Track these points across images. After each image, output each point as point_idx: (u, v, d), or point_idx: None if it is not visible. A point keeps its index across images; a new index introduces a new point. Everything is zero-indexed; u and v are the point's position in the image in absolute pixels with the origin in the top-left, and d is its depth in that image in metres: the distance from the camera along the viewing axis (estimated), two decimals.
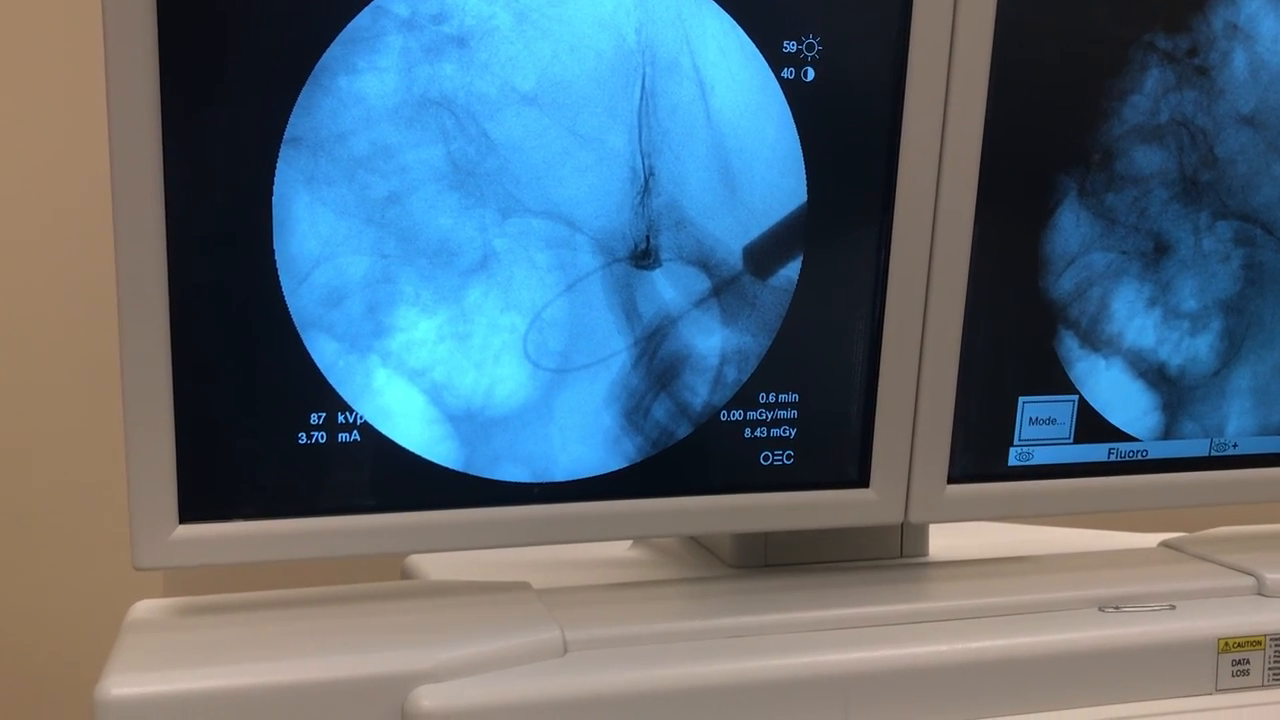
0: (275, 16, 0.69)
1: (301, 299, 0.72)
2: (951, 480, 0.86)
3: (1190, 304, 0.89)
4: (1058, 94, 0.83)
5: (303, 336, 0.73)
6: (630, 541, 1.00)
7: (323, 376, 0.74)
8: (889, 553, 0.94)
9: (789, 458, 0.83)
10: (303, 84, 0.70)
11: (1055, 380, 0.88)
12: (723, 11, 0.75)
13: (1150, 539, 1.01)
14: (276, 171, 0.70)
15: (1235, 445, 0.93)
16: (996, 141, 0.81)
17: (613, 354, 0.78)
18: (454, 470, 0.77)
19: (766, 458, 0.83)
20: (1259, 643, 0.83)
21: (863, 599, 0.83)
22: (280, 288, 0.72)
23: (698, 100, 0.76)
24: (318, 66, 0.70)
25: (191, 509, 0.73)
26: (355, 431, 0.75)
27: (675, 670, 0.73)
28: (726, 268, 0.79)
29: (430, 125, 0.72)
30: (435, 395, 0.76)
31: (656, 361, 0.79)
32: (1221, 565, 0.92)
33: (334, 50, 0.70)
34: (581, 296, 0.77)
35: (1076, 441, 0.89)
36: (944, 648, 0.79)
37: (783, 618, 0.80)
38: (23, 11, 1.10)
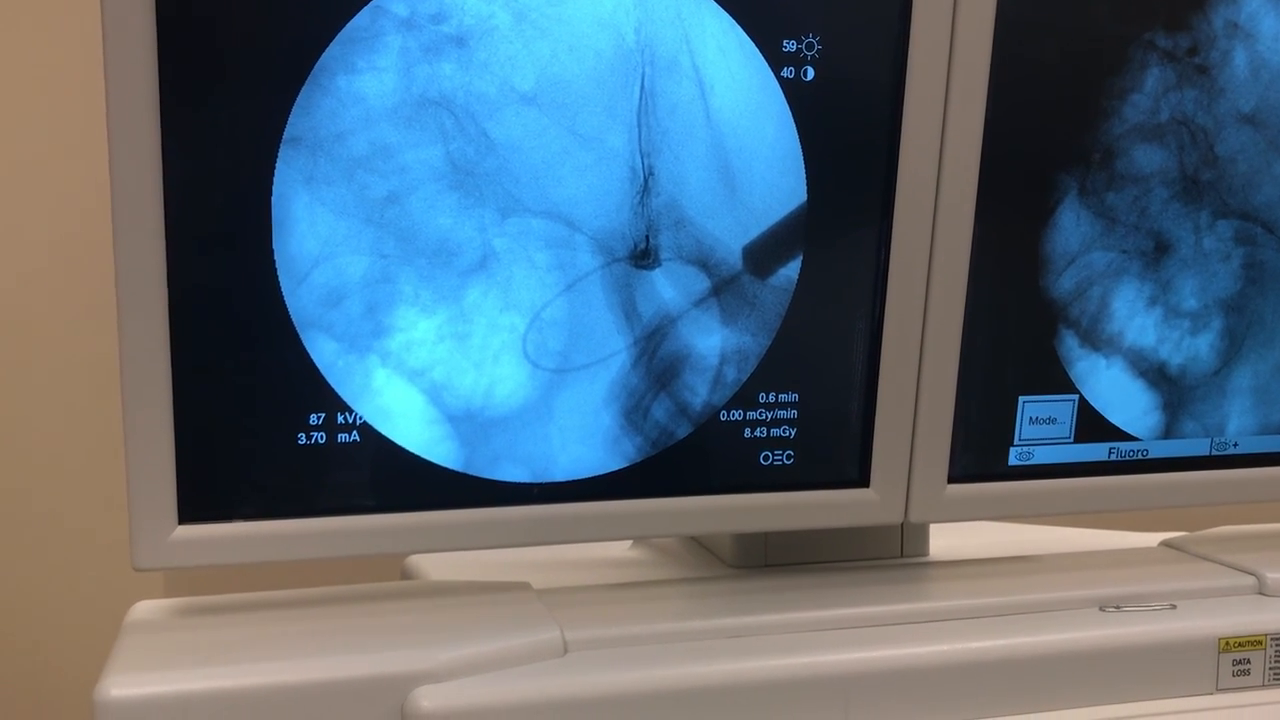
0: (274, 16, 0.69)
1: (301, 299, 0.72)
2: (952, 480, 0.86)
3: (1191, 303, 0.89)
4: (1058, 93, 0.83)
5: (302, 337, 0.73)
6: (630, 541, 1.00)
7: (322, 377, 0.74)
8: (889, 552, 0.94)
9: (789, 457, 0.83)
10: (302, 84, 0.70)
11: (1055, 380, 0.87)
12: (722, 11, 0.75)
13: (1151, 538, 1.01)
14: (275, 171, 0.70)
15: (1236, 444, 0.93)
16: (996, 140, 0.81)
17: (612, 354, 0.78)
18: (453, 470, 0.77)
19: (766, 457, 0.83)
20: (1259, 642, 0.83)
21: (863, 599, 0.83)
22: (279, 288, 0.72)
23: (697, 100, 0.76)
24: (317, 66, 0.70)
25: (191, 509, 0.73)
26: (355, 432, 0.75)
27: (675, 670, 0.73)
28: (726, 267, 0.79)
29: (429, 125, 0.72)
30: (435, 395, 0.76)
31: (656, 361, 0.79)
32: (1222, 565, 0.92)
33: (333, 50, 0.70)
34: (581, 296, 0.77)
35: (1077, 441, 0.89)
36: (944, 648, 0.78)
37: (783, 618, 0.80)
38: (22, 11, 1.10)
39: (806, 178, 0.79)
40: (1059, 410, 0.88)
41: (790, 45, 0.77)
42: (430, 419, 0.76)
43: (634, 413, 0.80)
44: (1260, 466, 0.94)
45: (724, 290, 0.80)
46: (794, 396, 0.83)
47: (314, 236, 0.72)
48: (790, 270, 0.80)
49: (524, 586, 0.83)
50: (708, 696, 0.73)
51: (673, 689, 0.72)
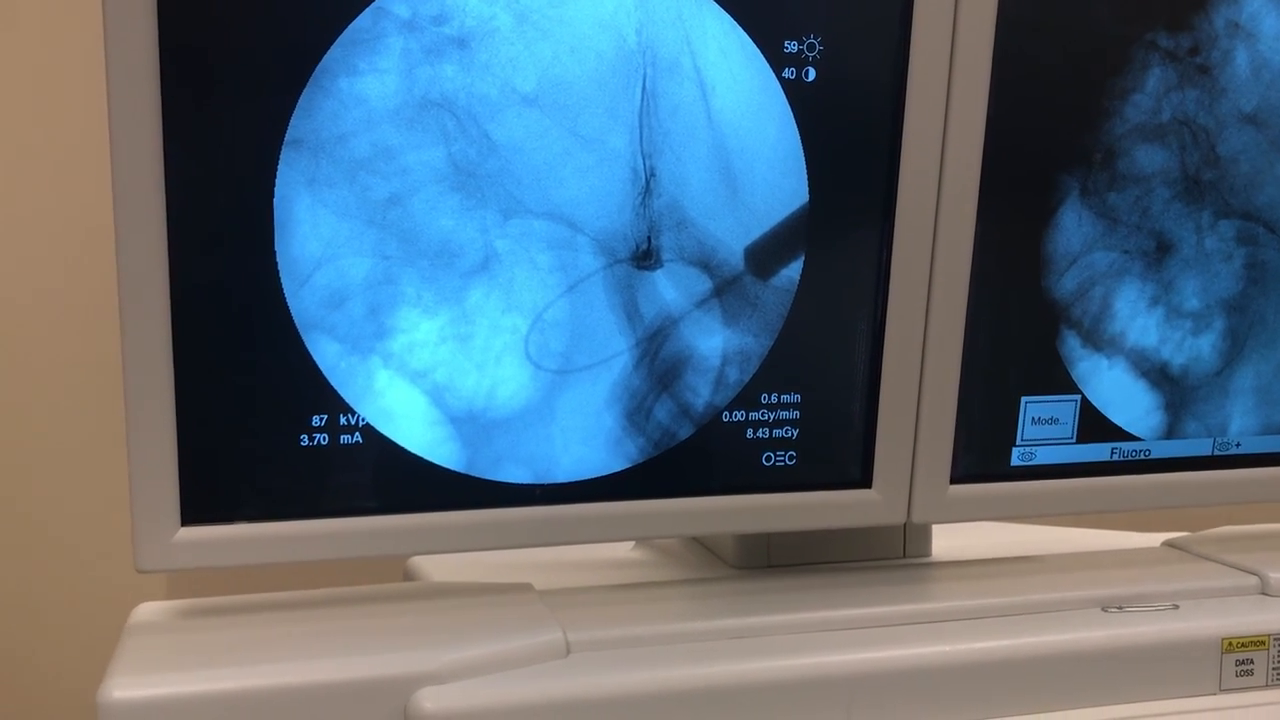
0: (275, 18, 0.69)
1: (303, 301, 0.72)
2: (954, 480, 0.86)
3: (1193, 303, 0.89)
4: (1059, 93, 0.83)
5: (304, 338, 0.73)
6: (632, 542, 1.00)
7: (324, 378, 0.74)
8: (892, 553, 0.94)
9: (791, 458, 0.83)
10: (303, 86, 0.70)
11: (1057, 380, 0.87)
12: (723, 12, 0.75)
13: (1153, 538, 1.01)
14: (278, 173, 0.70)
15: (1238, 445, 0.93)
16: (998, 141, 0.81)
17: (614, 355, 0.78)
18: (456, 472, 0.77)
19: (769, 458, 0.83)
20: (1263, 642, 0.83)
21: (866, 599, 0.83)
22: (282, 289, 0.72)
23: (699, 101, 0.76)
24: (318, 68, 0.70)
25: (194, 511, 0.73)
26: (357, 433, 0.75)
27: (678, 671, 0.73)
28: (728, 268, 0.79)
29: (431, 127, 0.72)
30: (437, 397, 0.76)
31: (658, 362, 0.79)
32: (1225, 565, 0.92)
33: (335, 52, 0.70)
34: (583, 297, 0.77)
35: (1079, 441, 0.89)
36: (947, 648, 0.78)
37: (786, 618, 0.80)
38: (25, 14, 1.11)
39: (808, 178, 0.79)
40: (1061, 410, 0.88)
41: (792, 46, 0.77)
42: (432, 420, 0.76)
43: (636, 414, 0.80)
44: (1262, 467, 0.94)
45: (726, 291, 0.80)
46: (796, 397, 0.83)
47: (316, 238, 0.72)
48: (792, 271, 0.80)
49: (526, 588, 0.83)
50: (710, 697, 0.73)
51: (676, 690, 0.72)
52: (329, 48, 0.70)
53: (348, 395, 0.74)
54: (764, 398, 0.82)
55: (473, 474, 0.77)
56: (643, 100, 0.75)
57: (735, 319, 0.80)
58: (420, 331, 0.74)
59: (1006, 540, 1.03)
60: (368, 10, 0.70)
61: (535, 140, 0.74)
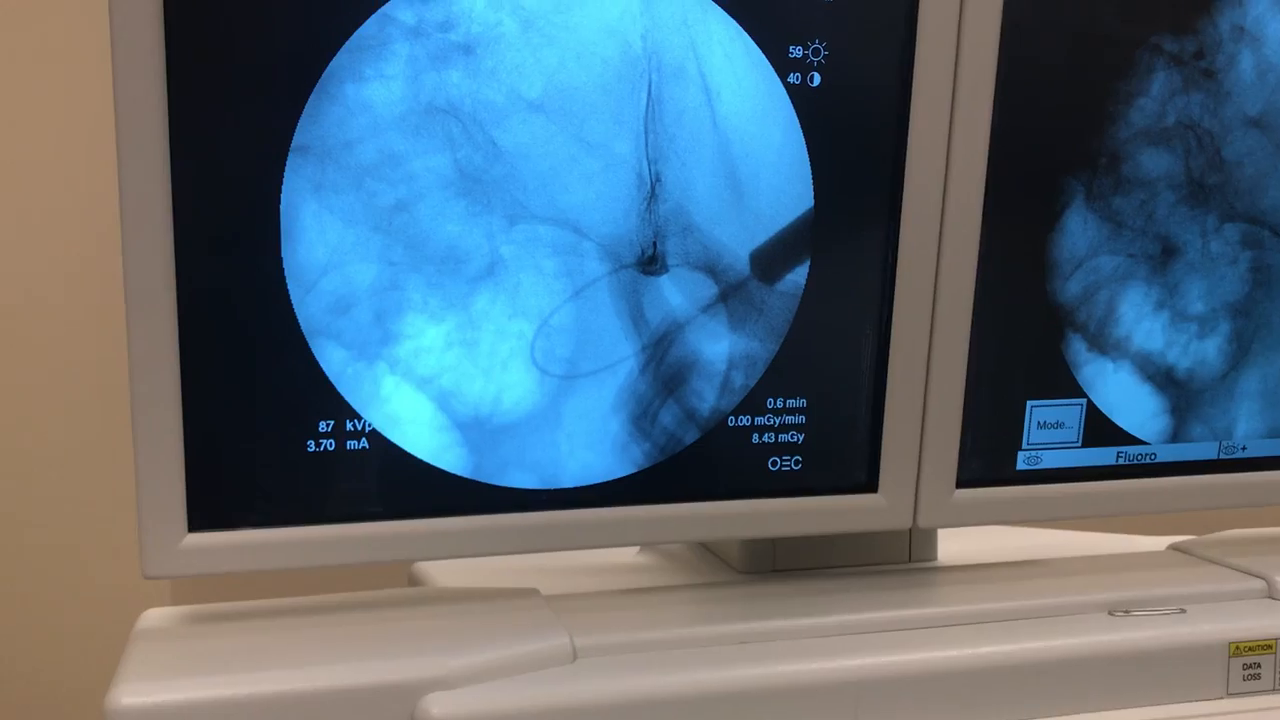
0: (281, 25, 0.69)
1: (309, 307, 0.72)
2: (960, 485, 0.86)
3: (1198, 307, 0.89)
4: (1064, 97, 0.83)
5: (310, 344, 0.73)
6: (638, 547, 1.00)
7: (331, 384, 0.74)
8: (898, 557, 0.94)
9: (797, 463, 0.83)
10: (309, 92, 0.70)
11: (1063, 384, 0.87)
12: (728, 17, 0.75)
13: (1159, 542, 1.01)
14: (284, 180, 0.71)
15: (1244, 448, 0.93)
16: (1003, 145, 0.81)
17: (620, 360, 0.78)
18: (462, 477, 0.77)
19: (775, 463, 0.83)
20: (1270, 647, 0.83)
21: (872, 604, 0.83)
22: (288, 296, 0.72)
23: (704, 106, 0.76)
24: (325, 74, 0.70)
25: (200, 517, 0.73)
26: (363, 439, 0.75)
27: (685, 676, 0.73)
28: (733, 273, 0.79)
29: (437, 133, 0.72)
30: (443, 402, 0.76)
31: (664, 367, 0.79)
32: (1231, 568, 0.92)
33: (341, 58, 0.70)
34: (589, 303, 0.77)
35: (1085, 445, 0.89)
36: (953, 653, 0.78)
37: (792, 623, 0.80)
38: (31, 19, 1.11)
39: (813, 183, 0.79)
40: (1067, 414, 0.88)
41: (797, 51, 0.77)
42: (439, 426, 0.76)
43: (642, 419, 0.80)
44: (1268, 470, 0.94)
45: (731, 296, 0.80)
46: (802, 402, 0.83)
47: (322, 244, 0.72)
48: (798, 276, 0.80)
49: (532, 593, 0.83)
50: (717, 702, 0.73)
51: (682, 695, 0.72)
52: (335, 54, 0.70)
53: (354, 401, 0.74)
54: (769, 402, 0.82)
55: (479, 479, 0.77)
56: (648, 106, 0.75)
57: (741, 324, 0.80)
58: (426, 337, 0.75)
59: (1012, 544, 1.03)
60: (373, 17, 0.70)
61: (541, 146, 0.74)
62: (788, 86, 0.77)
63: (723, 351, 0.80)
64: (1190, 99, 0.85)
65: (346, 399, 0.74)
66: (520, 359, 0.77)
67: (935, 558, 0.95)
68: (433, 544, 0.77)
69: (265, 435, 0.73)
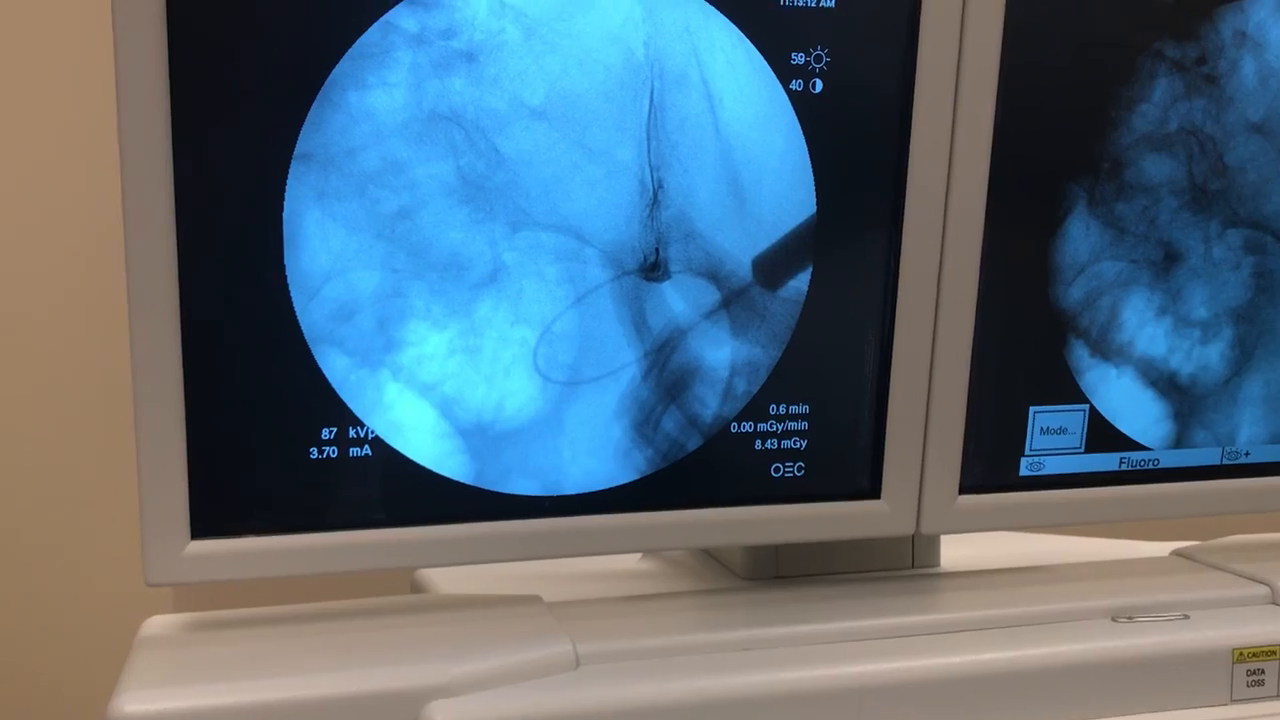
0: (284, 33, 0.69)
1: (312, 314, 0.72)
2: (963, 491, 0.86)
3: (1201, 312, 0.89)
4: (1066, 103, 0.83)
5: (314, 352, 0.73)
6: (640, 553, 1.00)
7: (334, 391, 0.74)
8: (901, 563, 0.94)
9: (800, 469, 0.83)
10: (312, 100, 0.70)
11: (1066, 389, 0.87)
12: (730, 24, 0.75)
13: (1162, 547, 1.01)
14: (287, 187, 0.71)
15: (1247, 454, 0.93)
16: (1005, 151, 0.81)
17: (623, 366, 0.78)
18: (465, 484, 0.77)
19: (777, 469, 0.83)
20: (1274, 653, 0.83)
21: (875, 610, 0.83)
22: (291, 303, 0.72)
23: (706, 113, 0.76)
24: (327, 82, 0.70)
25: (203, 525, 0.73)
26: (366, 446, 0.75)
27: (688, 683, 0.73)
28: (736, 279, 0.79)
29: (440, 140, 0.72)
30: (446, 409, 0.76)
31: (666, 374, 0.79)
32: (1235, 574, 0.92)
33: (343, 66, 0.70)
34: (591, 309, 0.77)
35: (1088, 451, 0.89)
36: (956, 659, 0.78)
37: (795, 630, 0.80)
38: (35, 25, 1.11)
39: (816, 189, 0.79)
40: (1069, 420, 0.88)
41: (799, 58, 0.77)
42: (441, 433, 0.76)
43: (644, 425, 0.80)
44: (1272, 475, 0.93)
45: (734, 302, 0.80)
46: (804, 408, 0.83)
47: (325, 252, 0.72)
48: (800, 282, 0.81)
49: (535, 600, 0.83)
50: (720, 709, 0.73)
51: (685, 702, 0.72)
52: (338, 62, 0.70)
53: (357, 408, 0.74)
54: (772, 409, 0.82)
55: (481, 486, 0.77)
56: (650, 113, 0.75)
57: (743, 330, 0.80)
58: (429, 344, 0.75)
59: (1015, 549, 1.03)
60: (376, 24, 0.70)
61: (543, 153, 0.74)
62: (790, 93, 0.77)
63: (725, 358, 0.80)
64: (1192, 105, 0.85)
65: (349, 406, 0.74)
66: (523, 366, 0.77)
67: (938, 564, 0.95)
68: (435, 551, 0.77)
69: (268, 442, 0.73)
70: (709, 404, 0.81)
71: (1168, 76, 0.84)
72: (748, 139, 0.77)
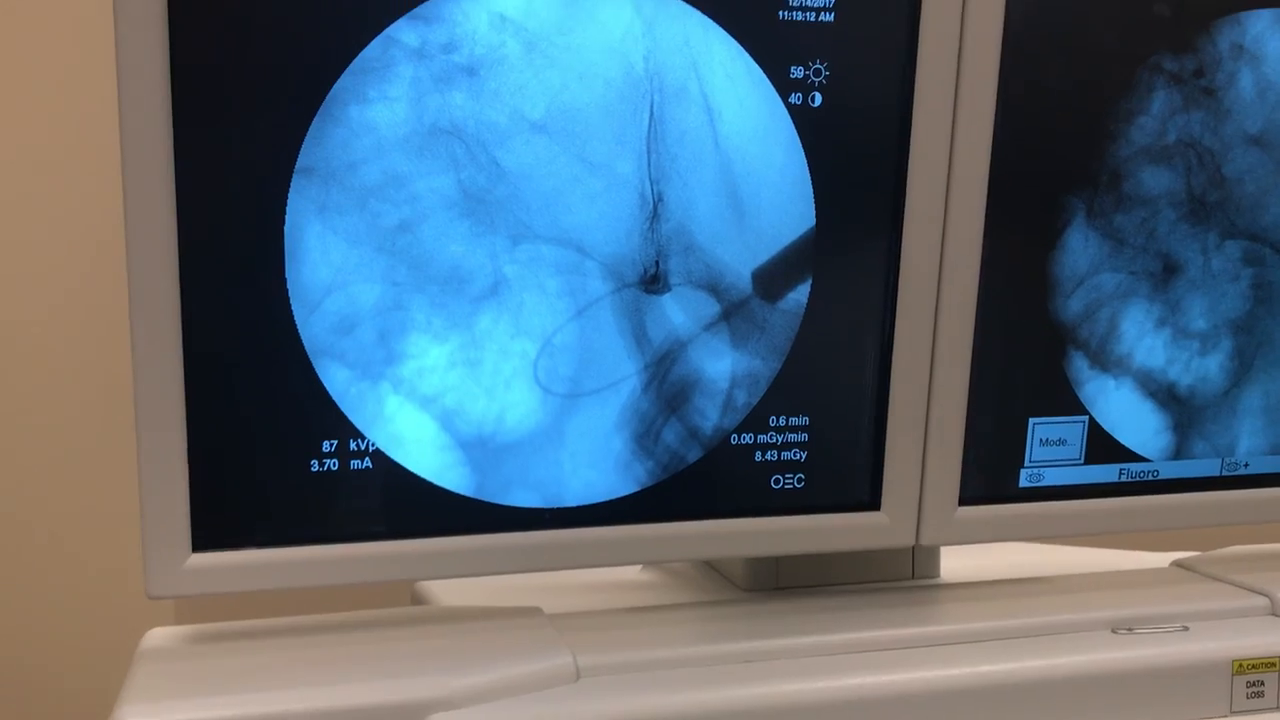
0: (286, 48, 0.69)
1: (313, 327, 0.73)
2: (963, 502, 0.86)
3: (1200, 324, 0.89)
4: (1065, 116, 0.83)
5: (314, 364, 0.73)
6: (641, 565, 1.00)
7: (334, 404, 0.74)
8: (901, 574, 0.94)
9: (800, 481, 0.84)
10: (314, 114, 0.70)
11: (1065, 401, 0.88)
12: (730, 38, 0.76)
13: (1162, 558, 1.01)
14: (288, 201, 0.71)
15: (1247, 465, 0.93)
16: (1004, 163, 0.82)
17: (623, 379, 0.79)
18: (465, 496, 0.77)
19: (777, 481, 0.83)
20: (1274, 664, 0.83)
21: (875, 622, 0.83)
22: (292, 316, 0.72)
23: (706, 126, 0.76)
24: (329, 97, 0.70)
25: (204, 537, 0.73)
26: (367, 459, 0.75)
27: (689, 695, 0.73)
28: (736, 291, 0.80)
29: (441, 154, 0.72)
30: (446, 422, 0.76)
31: (667, 386, 0.80)
32: (1235, 585, 0.92)
33: (344, 80, 0.70)
34: (591, 322, 0.77)
35: (1087, 462, 0.89)
36: (957, 671, 0.78)
37: (795, 642, 0.80)
38: (36, 44, 1.11)
39: (815, 202, 0.80)
40: (1069, 432, 0.88)
41: (798, 72, 0.77)
42: (442, 445, 0.76)
43: (645, 437, 0.80)
44: (1271, 487, 0.94)
45: (734, 314, 0.80)
46: (804, 420, 0.83)
47: (326, 265, 0.72)
48: (800, 294, 0.81)
49: (535, 611, 0.83)
50: None
51: (686, 714, 0.72)
52: (339, 76, 0.70)
53: (358, 421, 0.74)
54: (772, 420, 0.82)
55: (482, 498, 0.77)
56: (650, 126, 0.76)
57: (743, 342, 0.81)
58: (430, 357, 0.75)
59: (1015, 560, 1.03)
60: (377, 39, 0.70)
61: (544, 166, 0.74)
62: (789, 107, 0.78)
63: (725, 370, 0.81)
64: (1190, 117, 0.86)
65: (350, 418, 0.74)
66: (523, 378, 0.77)
67: (938, 574, 0.95)
68: (436, 563, 0.77)
69: (269, 455, 0.74)
70: (709, 416, 0.81)
71: (1166, 89, 0.85)
72: (747, 152, 0.78)
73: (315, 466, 0.74)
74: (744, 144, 0.77)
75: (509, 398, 0.77)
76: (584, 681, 0.74)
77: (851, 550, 0.88)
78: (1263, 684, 0.83)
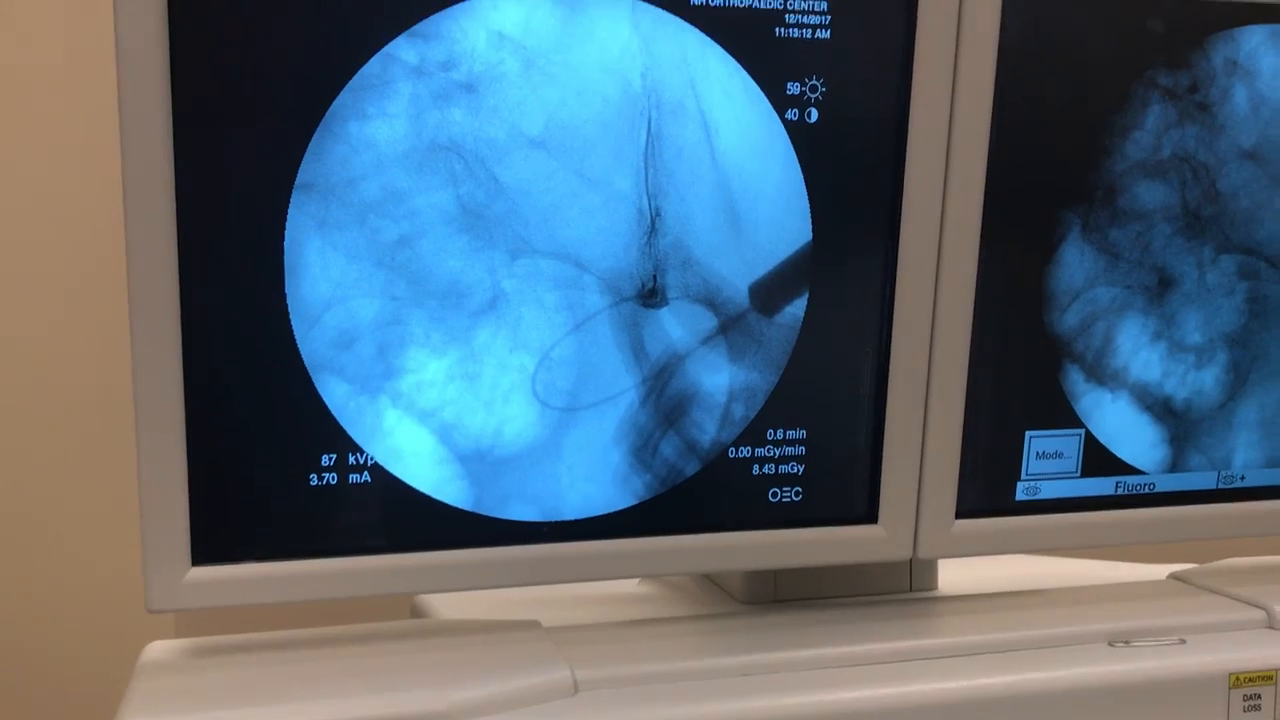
0: (286, 65, 0.70)
1: (312, 342, 0.73)
2: (959, 515, 0.86)
3: (1195, 337, 0.90)
4: (1060, 131, 0.84)
5: (314, 379, 0.73)
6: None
7: (334, 418, 0.74)
8: (898, 587, 0.94)
9: (797, 494, 0.84)
10: (314, 130, 0.71)
11: (1061, 414, 0.88)
12: (727, 55, 0.76)
13: (1159, 570, 1.01)
14: (288, 216, 0.71)
15: (1243, 478, 0.93)
16: (1000, 178, 0.82)
17: (621, 392, 0.79)
18: (464, 510, 0.77)
19: (775, 494, 0.84)
20: (1270, 677, 0.83)
21: (873, 635, 0.83)
22: (292, 330, 0.73)
23: (703, 142, 0.77)
24: (328, 113, 0.71)
25: (204, 551, 0.73)
26: (366, 472, 0.75)
27: (687, 709, 0.73)
28: (733, 306, 0.80)
29: (440, 169, 0.73)
30: (445, 435, 0.76)
31: (664, 399, 0.80)
32: (1232, 598, 0.92)
33: (344, 97, 0.71)
34: (590, 336, 0.78)
35: (1083, 475, 0.89)
36: (954, 684, 0.79)
37: (793, 655, 0.80)
38: (39, 59, 1.12)
39: (811, 217, 0.80)
40: (1065, 445, 0.88)
41: (794, 88, 0.78)
42: (440, 459, 0.76)
43: (643, 450, 0.80)
44: (1267, 500, 0.94)
45: (731, 328, 0.80)
46: (802, 433, 0.83)
47: (326, 280, 0.72)
48: (796, 308, 0.81)
49: (534, 625, 0.83)
50: None
51: None
52: (339, 93, 0.71)
53: (357, 435, 0.75)
54: (770, 434, 0.83)
55: (480, 512, 0.78)
56: (648, 142, 0.76)
57: (741, 356, 0.81)
58: (428, 371, 0.75)
59: (1013, 571, 1.03)
60: (377, 56, 0.71)
61: (542, 182, 0.75)
62: (785, 123, 0.78)
63: (723, 383, 0.81)
64: (1185, 132, 0.86)
65: (349, 432, 0.75)
66: (521, 392, 0.77)
67: (936, 587, 0.95)
68: (434, 577, 0.77)
69: (268, 469, 0.74)
70: (707, 429, 0.81)
71: (1160, 104, 0.85)
72: (744, 168, 0.78)
73: (314, 480, 0.75)
74: (741, 159, 0.78)
75: (507, 411, 0.77)
76: (582, 695, 0.75)
77: (849, 563, 0.88)
78: (1259, 697, 0.83)
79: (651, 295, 0.78)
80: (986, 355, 0.85)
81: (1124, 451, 0.90)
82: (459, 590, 0.79)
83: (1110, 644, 0.85)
